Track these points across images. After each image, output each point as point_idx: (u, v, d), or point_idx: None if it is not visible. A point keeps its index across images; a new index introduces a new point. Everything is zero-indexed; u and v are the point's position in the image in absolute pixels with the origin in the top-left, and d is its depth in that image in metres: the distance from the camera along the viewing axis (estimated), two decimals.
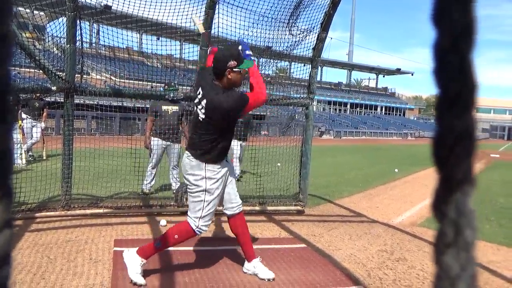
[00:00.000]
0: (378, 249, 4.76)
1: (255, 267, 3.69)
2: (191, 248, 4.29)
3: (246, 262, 3.75)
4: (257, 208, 6.14)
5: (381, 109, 69.57)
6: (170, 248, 4.27)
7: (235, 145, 8.66)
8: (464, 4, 0.36)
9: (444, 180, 0.38)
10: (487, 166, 17.03)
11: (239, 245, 3.80)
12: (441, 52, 0.37)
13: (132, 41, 7.14)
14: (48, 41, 6.89)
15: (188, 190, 3.56)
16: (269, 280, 3.61)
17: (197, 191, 3.45)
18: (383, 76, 75.73)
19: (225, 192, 3.65)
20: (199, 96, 3.45)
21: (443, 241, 0.37)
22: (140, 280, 3.36)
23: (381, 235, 5.40)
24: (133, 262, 3.39)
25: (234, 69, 3.38)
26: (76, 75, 5.37)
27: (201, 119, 3.41)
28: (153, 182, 6.94)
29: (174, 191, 6.31)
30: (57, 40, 6.27)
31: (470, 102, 0.37)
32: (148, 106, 7.22)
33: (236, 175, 8.34)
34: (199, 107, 3.42)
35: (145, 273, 3.49)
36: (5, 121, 0.36)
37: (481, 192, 9.33)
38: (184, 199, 5.82)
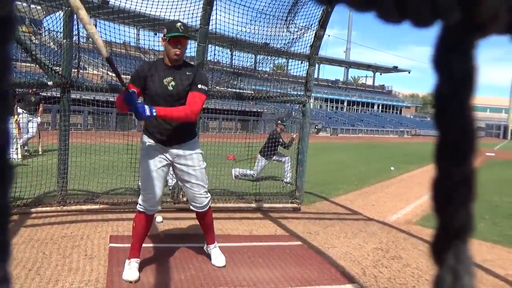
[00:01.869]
0: (373, 247, 4.78)
1: (211, 250, 3.92)
2: (187, 245, 4.30)
3: (205, 243, 4.00)
4: (253, 205, 6.15)
5: (378, 107, 69.68)
6: (165, 245, 4.29)
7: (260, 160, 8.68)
8: (464, 52, 0.36)
9: (443, 227, 0.38)
10: (482, 164, 17.11)
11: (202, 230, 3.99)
12: (441, 98, 0.37)
13: (130, 36, 7.11)
14: (45, 36, 6.84)
15: None
16: (219, 267, 3.79)
17: None
18: (380, 74, 75.85)
19: (185, 186, 3.68)
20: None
21: (441, 287, 0.38)
22: (132, 276, 3.39)
23: (376, 233, 5.42)
24: (125, 266, 3.48)
25: (164, 37, 3.45)
26: (73, 70, 5.35)
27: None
28: None
29: (170, 187, 6.30)
30: (53, 35, 6.23)
31: (469, 149, 0.37)
32: None
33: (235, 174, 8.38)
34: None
35: (141, 270, 3.50)
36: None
37: (476, 191, 9.35)
38: (180, 196, 5.82)
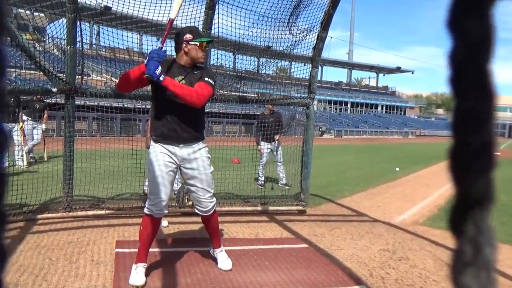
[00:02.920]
0: (380, 248, 4.76)
1: (217, 254, 3.93)
2: (193, 249, 4.29)
3: (211, 247, 4.00)
4: (259, 208, 6.14)
5: (382, 108, 69.55)
6: (171, 249, 4.29)
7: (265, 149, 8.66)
8: (481, 11, 0.34)
9: (462, 197, 0.36)
10: None
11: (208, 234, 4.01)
12: (457, 62, 0.35)
13: (132, 42, 7.13)
14: (49, 43, 6.88)
15: None
16: (225, 270, 3.78)
17: None
18: (384, 75, 75.75)
19: (191, 190, 3.71)
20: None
21: (461, 260, 0.36)
22: (138, 280, 3.39)
23: (383, 234, 5.39)
24: (132, 271, 3.48)
25: (190, 42, 3.53)
26: (77, 77, 5.37)
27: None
28: None
29: (175, 192, 6.31)
30: (57, 42, 6.26)
31: (488, 115, 0.35)
32: (149, 107, 7.22)
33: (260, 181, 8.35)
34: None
35: (147, 275, 3.50)
36: None
37: None
38: (186, 200, 5.82)
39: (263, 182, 8.32)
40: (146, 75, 3.26)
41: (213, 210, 3.78)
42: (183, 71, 3.57)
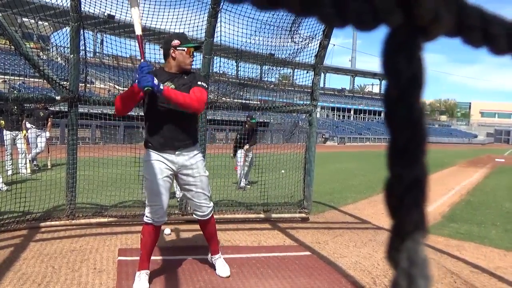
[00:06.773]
0: (383, 256, 4.72)
1: (215, 260, 3.91)
2: (196, 257, 4.28)
3: (209, 253, 3.97)
4: (261, 215, 6.12)
5: None
6: (174, 257, 4.29)
7: (238, 153, 8.91)
8: (409, 54, 0.36)
9: (396, 229, 0.38)
10: (492, 171, 16.94)
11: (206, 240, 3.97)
12: (390, 102, 0.37)
13: (136, 50, 7.15)
14: (52, 51, 6.93)
15: None
16: (223, 277, 3.77)
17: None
18: None
19: (188, 195, 3.71)
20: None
21: None
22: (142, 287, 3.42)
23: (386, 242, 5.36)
24: (135, 278, 3.50)
25: (178, 48, 3.52)
26: (80, 85, 5.39)
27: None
28: None
29: (178, 199, 6.30)
30: (61, 50, 6.31)
31: (419, 152, 0.37)
32: None
33: (242, 185, 8.48)
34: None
35: (150, 282, 3.51)
36: None
37: (487, 197, 9.27)
38: (189, 207, 5.81)
39: (241, 187, 8.58)
40: (146, 88, 3.17)
41: (211, 214, 3.78)
42: (171, 77, 3.56)
